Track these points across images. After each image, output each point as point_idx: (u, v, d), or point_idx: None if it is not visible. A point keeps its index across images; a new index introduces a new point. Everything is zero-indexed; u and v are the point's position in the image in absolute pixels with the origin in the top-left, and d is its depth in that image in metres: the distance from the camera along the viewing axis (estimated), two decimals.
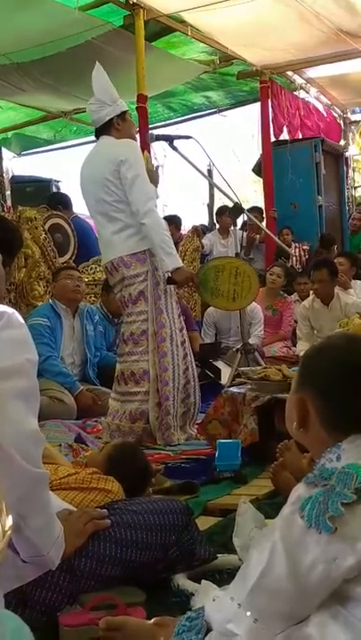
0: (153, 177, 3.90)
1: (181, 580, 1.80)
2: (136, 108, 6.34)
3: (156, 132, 5.47)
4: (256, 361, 4.27)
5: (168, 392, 3.64)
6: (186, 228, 7.98)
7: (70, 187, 7.22)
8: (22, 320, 1.38)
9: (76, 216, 6.33)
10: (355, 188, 10.69)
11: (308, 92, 9.42)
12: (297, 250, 7.97)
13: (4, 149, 9.64)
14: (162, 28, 6.78)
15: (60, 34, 5.95)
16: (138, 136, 4.39)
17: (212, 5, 6.11)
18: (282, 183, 8.49)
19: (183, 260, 7.05)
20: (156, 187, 3.93)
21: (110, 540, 1.72)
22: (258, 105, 8.58)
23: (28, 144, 9.98)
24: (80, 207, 4.75)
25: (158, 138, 4.19)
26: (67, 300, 4.74)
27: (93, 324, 4.94)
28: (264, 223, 8.04)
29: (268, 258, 7.90)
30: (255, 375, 3.32)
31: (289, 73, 8.73)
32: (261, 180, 8.58)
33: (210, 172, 5.76)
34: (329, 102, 9.93)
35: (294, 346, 6.05)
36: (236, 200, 4.28)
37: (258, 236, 7.89)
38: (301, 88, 9.23)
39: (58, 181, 8.67)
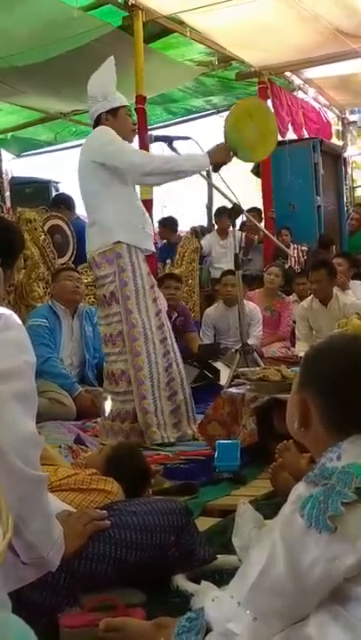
0: None
1: (181, 581, 1.80)
2: (135, 109, 6.34)
3: (155, 133, 5.47)
4: (255, 361, 4.26)
5: (145, 391, 3.61)
6: (184, 229, 7.99)
7: (69, 188, 7.23)
8: (20, 322, 1.38)
9: (78, 217, 6.32)
10: (353, 188, 10.71)
11: (306, 93, 9.43)
12: (295, 251, 7.97)
13: (3, 151, 9.67)
14: (160, 29, 6.79)
15: (60, 34, 5.94)
16: (137, 137, 4.38)
17: (211, 7, 6.11)
18: (280, 184, 8.48)
19: (183, 261, 7.10)
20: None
21: (110, 541, 1.72)
22: None
23: (27, 145, 9.97)
24: (81, 208, 4.77)
25: (157, 139, 4.18)
26: (66, 301, 4.73)
27: (92, 325, 4.93)
28: (263, 224, 8.04)
29: (267, 258, 7.91)
30: (254, 376, 3.31)
31: (287, 74, 8.73)
32: (260, 180, 8.57)
33: (208, 173, 5.75)
34: (327, 103, 9.94)
35: (293, 346, 6.05)
36: (235, 201, 4.28)
37: (256, 236, 7.90)
38: (300, 89, 9.24)
39: (57, 182, 8.69)
